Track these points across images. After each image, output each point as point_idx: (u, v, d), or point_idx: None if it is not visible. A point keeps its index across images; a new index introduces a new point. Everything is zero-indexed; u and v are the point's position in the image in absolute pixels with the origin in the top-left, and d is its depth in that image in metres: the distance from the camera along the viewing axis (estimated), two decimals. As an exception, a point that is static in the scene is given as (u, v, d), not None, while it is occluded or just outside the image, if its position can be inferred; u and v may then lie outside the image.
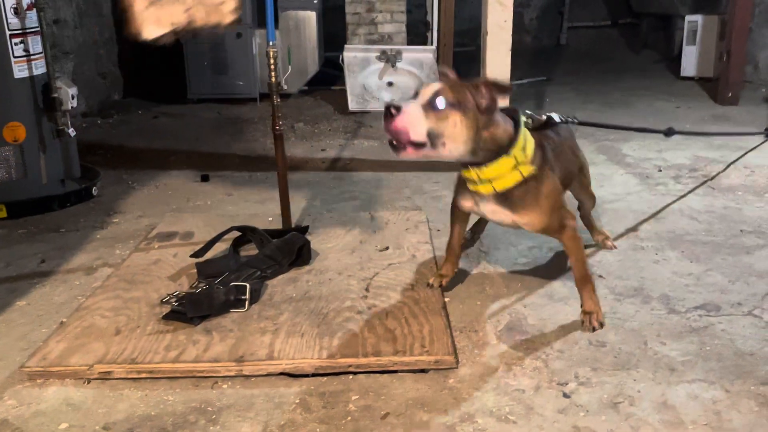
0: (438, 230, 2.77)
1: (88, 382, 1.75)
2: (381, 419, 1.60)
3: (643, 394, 1.68)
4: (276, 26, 5.46)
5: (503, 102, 1.91)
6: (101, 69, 5.51)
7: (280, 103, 2.57)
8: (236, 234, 2.49)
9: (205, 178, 3.59)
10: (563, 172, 2.09)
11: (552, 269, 2.41)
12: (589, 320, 1.98)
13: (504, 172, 1.86)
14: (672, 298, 2.19)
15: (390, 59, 5.56)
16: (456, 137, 1.77)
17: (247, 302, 2.06)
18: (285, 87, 2.55)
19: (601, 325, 1.99)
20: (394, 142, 1.78)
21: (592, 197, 2.55)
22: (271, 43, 2.47)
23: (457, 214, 2.21)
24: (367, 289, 2.20)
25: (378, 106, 5.36)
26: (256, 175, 3.68)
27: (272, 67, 2.47)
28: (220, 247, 2.43)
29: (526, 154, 1.88)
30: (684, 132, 3.69)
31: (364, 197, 3.27)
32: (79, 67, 5.08)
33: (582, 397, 1.67)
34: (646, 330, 1.99)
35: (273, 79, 2.49)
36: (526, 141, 1.89)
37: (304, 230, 2.64)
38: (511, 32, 3.45)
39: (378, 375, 1.77)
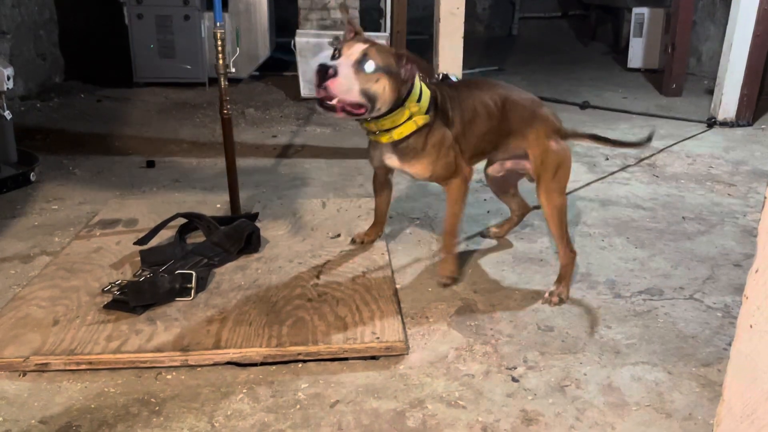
0: (391, 217, 2.76)
1: (24, 375, 1.68)
2: (330, 407, 1.58)
3: (589, 377, 1.71)
4: (225, 9, 5.37)
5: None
6: (41, 50, 5.27)
7: (230, 87, 2.51)
8: (182, 221, 2.42)
9: (150, 164, 3.48)
10: (466, 125, 2.11)
11: (502, 256, 2.43)
12: (445, 280, 2.16)
13: (399, 122, 1.97)
14: (617, 283, 2.23)
15: (343, 45, 5.50)
16: (385, 100, 1.90)
17: (193, 291, 2.00)
18: (233, 70, 2.48)
19: (454, 280, 2.17)
20: (327, 103, 1.86)
21: (549, 199, 2.10)
22: (218, 23, 2.40)
23: (374, 177, 2.35)
24: (318, 277, 2.17)
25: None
26: (204, 161, 3.59)
27: (220, 49, 2.41)
28: (165, 235, 2.35)
29: (421, 106, 1.99)
30: (598, 107, 3.87)
31: (315, 184, 3.23)
32: (17, 48, 4.85)
33: (530, 381, 1.68)
34: (593, 314, 2.02)
35: (221, 61, 2.43)
36: (422, 94, 2.00)
37: (253, 217, 2.59)
38: (463, 19, 3.46)
39: (328, 363, 1.75)
